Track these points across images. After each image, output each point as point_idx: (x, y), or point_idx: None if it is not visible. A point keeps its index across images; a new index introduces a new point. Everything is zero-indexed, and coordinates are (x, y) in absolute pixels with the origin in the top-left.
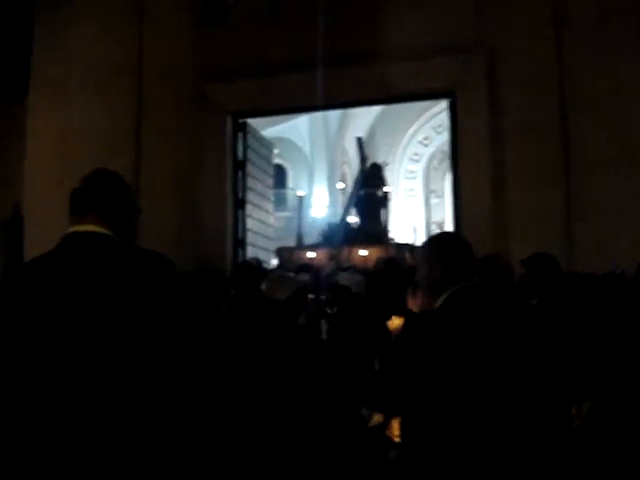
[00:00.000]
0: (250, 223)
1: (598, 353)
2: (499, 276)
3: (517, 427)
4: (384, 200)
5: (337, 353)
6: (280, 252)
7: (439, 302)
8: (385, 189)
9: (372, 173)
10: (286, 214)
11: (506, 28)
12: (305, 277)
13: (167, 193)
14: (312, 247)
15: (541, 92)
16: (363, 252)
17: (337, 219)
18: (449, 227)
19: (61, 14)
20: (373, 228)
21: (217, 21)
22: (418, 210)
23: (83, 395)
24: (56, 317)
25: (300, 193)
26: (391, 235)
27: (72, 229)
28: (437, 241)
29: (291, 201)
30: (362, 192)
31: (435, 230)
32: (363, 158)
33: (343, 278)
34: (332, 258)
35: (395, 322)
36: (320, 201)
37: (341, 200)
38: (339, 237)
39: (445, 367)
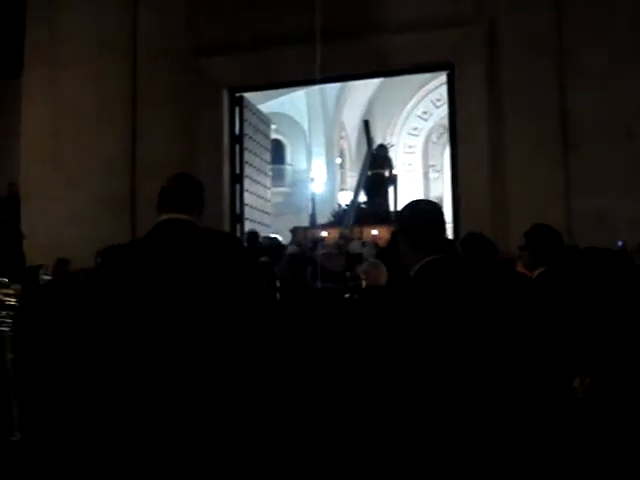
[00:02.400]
0: (248, 198)
1: (601, 325)
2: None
3: (492, 398)
4: (391, 180)
5: None
6: (295, 231)
7: (412, 274)
8: (393, 171)
9: (379, 154)
10: (284, 189)
11: (505, 0)
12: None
13: (163, 168)
14: (324, 226)
15: (540, 65)
16: (374, 231)
17: (335, 194)
18: (448, 202)
19: None
20: (381, 208)
21: None
22: (417, 185)
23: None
24: (158, 283)
25: (312, 175)
26: None
27: (165, 217)
28: (407, 214)
29: (289, 176)
30: (370, 173)
31: None
32: (369, 140)
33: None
34: (343, 237)
35: None
36: (318, 176)
37: (339, 175)
38: (350, 217)
39: (411, 342)
